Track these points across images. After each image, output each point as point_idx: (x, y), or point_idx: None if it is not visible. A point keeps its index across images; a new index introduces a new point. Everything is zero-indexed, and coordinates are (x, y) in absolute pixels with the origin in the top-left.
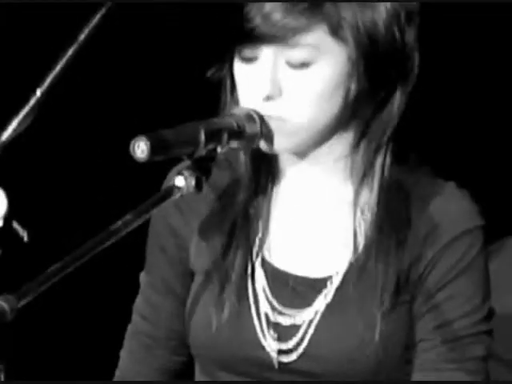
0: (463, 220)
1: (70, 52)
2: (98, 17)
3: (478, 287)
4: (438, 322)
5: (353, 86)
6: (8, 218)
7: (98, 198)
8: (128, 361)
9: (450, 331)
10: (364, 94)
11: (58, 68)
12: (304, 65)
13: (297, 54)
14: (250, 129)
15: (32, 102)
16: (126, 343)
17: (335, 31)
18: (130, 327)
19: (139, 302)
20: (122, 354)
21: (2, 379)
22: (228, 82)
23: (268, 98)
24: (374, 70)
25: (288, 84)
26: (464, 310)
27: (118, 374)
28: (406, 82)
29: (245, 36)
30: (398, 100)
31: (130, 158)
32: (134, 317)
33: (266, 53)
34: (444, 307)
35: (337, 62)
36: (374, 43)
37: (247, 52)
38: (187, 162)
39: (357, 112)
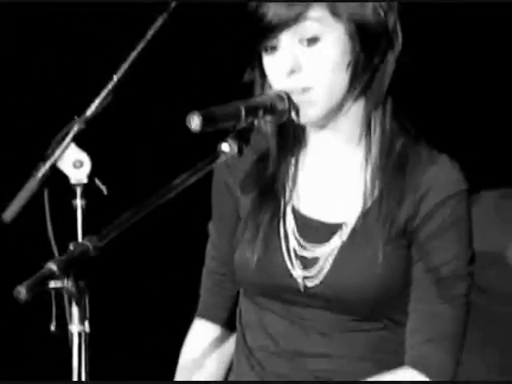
0: (452, 185)
1: (141, 46)
2: (164, 15)
3: (462, 239)
4: (428, 266)
5: (353, 56)
6: (91, 176)
7: (158, 161)
8: (206, 296)
9: (438, 273)
10: (362, 62)
11: (130, 59)
12: (313, 40)
13: (306, 31)
14: (280, 106)
15: (109, 85)
16: (202, 282)
17: (333, 10)
18: (204, 269)
19: (209, 246)
20: (201, 291)
21: (87, 306)
22: (258, 78)
23: (291, 72)
24: (367, 42)
25: (305, 59)
26: (450, 256)
27: (201, 307)
28: (393, 49)
29: (263, 32)
30: (389, 63)
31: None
32: (206, 259)
33: (283, 39)
34: (433, 255)
35: (338, 37)
36: (364, 20)
37: (268, 44)
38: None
39: (360, 78)
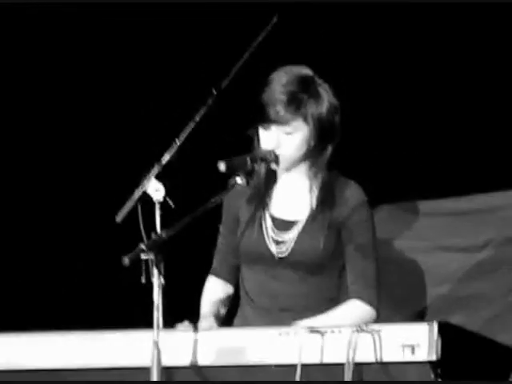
0: (360, 198)
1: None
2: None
3: (371, 227)
4: (355, 244)
5: (311, 142)
6: (165, 197)
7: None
8: (216, 264)
9: (363, 247)
10: (315, 145)
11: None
12: (290, 133)
13: (287, 129)
14: (270, 157)
15: (178, 143)
16: (214, 257)
17: (305, 119)
18: (215, 249)
19: (219, 237)
20: (214, 262)
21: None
22: (256, 138)
23: (275, 147)
24: (320, 136)
25: (284, 140)
26: (367, 236)
27: (213, 269)
28: (334, 141)
29: (264, 120)
30: (329, 150)
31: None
32: (217, 243)
33: (273, 128)
34: (357, 238)
35: (304, 132)
36: (321, 122)
37: (265, 126)
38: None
39: (312, 153)
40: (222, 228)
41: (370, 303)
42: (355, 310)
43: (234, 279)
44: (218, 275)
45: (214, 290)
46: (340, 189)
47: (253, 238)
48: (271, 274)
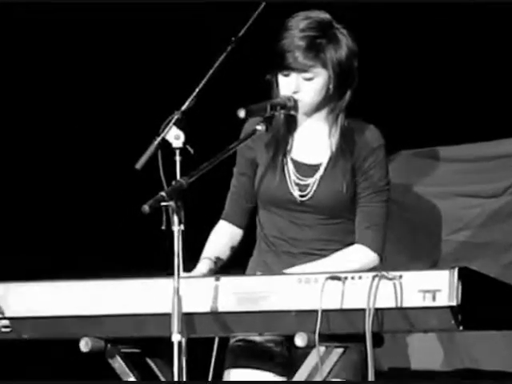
0: (377, 141)
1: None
2: (224, 54)
3: (385, 169)
4: (369, 183)
5: (330, 88)
6: (184, 144)
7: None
8: (228, 208)
9: (374, 187)
10: (334, 90)
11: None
12: (310, 79)
13: (307, 75)
14: (289, 103)
15: (198, 88)
16: (227, 200)
17: (324, 65)
18: (228, 192)
19: (233, 179)
20: (226, 206)
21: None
22: (275, 84)
23: (294, 92)
24: (339, 81)
25: (303, 86)
26: (380, 178)
27: (224, 213)
28: (353, 86)
29: (284, 67)
30: (348, 94)
31: None
32: (231, 186)
33: (293, 74)
34: (372, 176)
35: (323, 77)
36: (340, 67)
37: (285, 72)
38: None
39: (331, 98)
40: (236, 171)
41: (374, 248)
42: (357, 254)
43: (245, 223)
44: (228, 219)
45: (221, 233)
46: (359, 133)
47: (275, 183)
48: (292, 218)
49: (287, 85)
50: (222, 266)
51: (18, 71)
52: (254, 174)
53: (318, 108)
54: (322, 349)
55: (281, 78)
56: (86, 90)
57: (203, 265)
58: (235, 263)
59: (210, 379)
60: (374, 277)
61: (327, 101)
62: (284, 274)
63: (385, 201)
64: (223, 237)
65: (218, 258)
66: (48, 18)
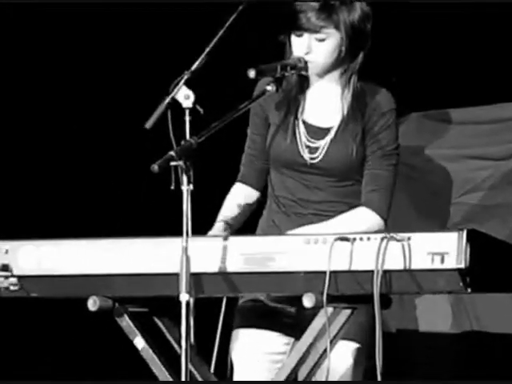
0: (388, 104)
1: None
2: (235, 15)
3: (394, 133)
4: (378, 146)
5: (342, 49)
6: (194, 104)
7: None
8: (244, 169)
9: (382, 150)
10: (346, 52)
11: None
12: (322, 40)
13: (319, 36)
14: (300, 64)
15: (207, 50)
16: (242, 161)
17: (337, 26)
18: (243, 154)
19: (247, 140)
20: (241, 167)
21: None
22: (288, 45)
23: (306, 53)
24: (351, 43)
25: (315, 47)
26: (389, 141)
27: (240, 175)
28: (365, 48)
29: (297, 27)
30: (360, 57)
31: None
32: (245, 148)
33: (306, 35)
34: (381, 139)
35: (336, 38)
36: (353, 29)
37: (297, 33)
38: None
39: (343, 59)
40: (250, 131)
41: (378, 212)
42: (362, 217)
43: (262, 184)
44: (244, 181)
45: (237, 195)
46: (371, 96)
47: (285, 144)
48: (302, 180)
49: (300, 45)
50: (239, 229)
51: (18, 63)
52: (266, 133)
53: (330, 69)
54: (330, 309)
55: (293, 39)
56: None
57: (218, 228)
58: (246, 223)
59: (217, 339)
60: (382, 238)
61: (339, 62)
62: (288, 234)
63: (393, 164)
64: (239, 199)
65: (234, 220)
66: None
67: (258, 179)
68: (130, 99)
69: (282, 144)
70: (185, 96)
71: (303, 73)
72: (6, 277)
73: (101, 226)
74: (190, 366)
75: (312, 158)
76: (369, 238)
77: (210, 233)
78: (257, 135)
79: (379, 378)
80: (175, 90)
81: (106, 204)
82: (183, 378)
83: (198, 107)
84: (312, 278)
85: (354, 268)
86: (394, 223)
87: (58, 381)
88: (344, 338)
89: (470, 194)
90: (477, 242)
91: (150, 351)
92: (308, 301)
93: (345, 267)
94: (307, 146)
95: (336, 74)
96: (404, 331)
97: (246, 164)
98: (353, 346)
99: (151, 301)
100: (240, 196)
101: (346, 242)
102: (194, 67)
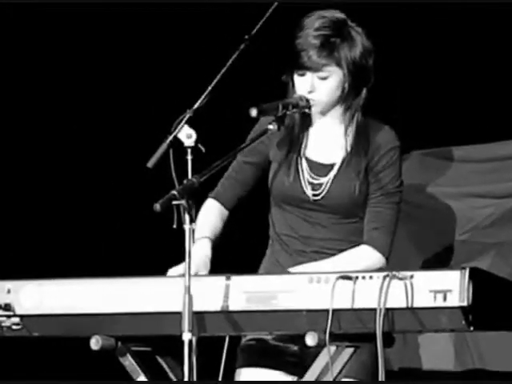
0: (392, 142)
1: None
2: (236, 53)
3: (397, 172)
4: (380, 185)
5: (345, 86)
6: (196, 143)
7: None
8: (221, 189)
9: (385, 189)
10: (349, 90)
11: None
12: (324, 78)
13: (321, 74)
14: (302, 103)
15: (209, 88)
16: (222, 181)
17: (339, 63)
18: (225, 175)
19: (234, 163)
20: (219, 185)
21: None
22: (290, 84)
23: (310, 92)
24: (354, 79)
25: (318, 85)
26: (391, 179)
27: (215, 192)
28: (368, 84)
29: (299, 66)
30: (363, 93)
31: None
32: (230, 170)
33: (309, 74)
34: (383, 178)
35: (338, 76)
36: (355, 66)
37: (300, 72)
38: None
39: (347, 96)
40: (241, 157)
41: (380, 250)
42: (363, 255)
43: (233, 206)
44: (219, 199)
45: (214, 212)
46: (374, 133)
47: (288, 181)
48: (305, 217)
49: (303, 84)
50: (241, 268)
51: (23, 67)
52: (259, 166)
53: (333, 107)
54: (333, 348)
55: (296, 78)
56: (95, 88)
57: (205, 245)
58: (247, 263)
59: (220, 378)
60: (384, 277)
61: (343, 99)
62: (290, 273)
63: (395, 202)
64: (217, 216)
65: (214, 236)
66: (53, 14)
67: (232, 202)
68: (132, 137)
69: (285, 181)
70: (187, 135)
71: (306, 111)
72: (8, 316)
73: (103, 265)
74: None
75: (315, 195)
76: (371, 277)
77: (197, 249)
78: (246, 163)
79: None
80: (177, 129)
81: (108, 243)
82: None
83: (200, 146)
84: (315, 317)
85: (356, 306)
86: (397, 261)
87: None
88: (346, 376)
89: (472, 232)
90: (479, 279)
91: None
92: (311, 339)
93: (347, 305)
94: (310, 183)
95: (339, 110)
96: (406, 370)
97: (226, 186)
98: None
99: (154, 340)
100: (217, 214)
101: (349, 280)
102: (196, 106)
